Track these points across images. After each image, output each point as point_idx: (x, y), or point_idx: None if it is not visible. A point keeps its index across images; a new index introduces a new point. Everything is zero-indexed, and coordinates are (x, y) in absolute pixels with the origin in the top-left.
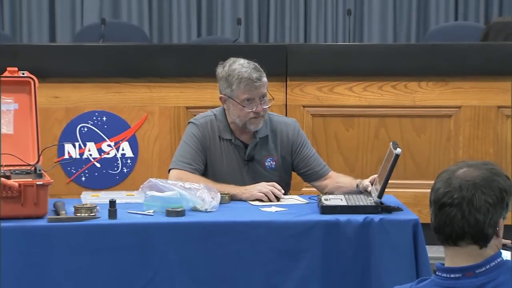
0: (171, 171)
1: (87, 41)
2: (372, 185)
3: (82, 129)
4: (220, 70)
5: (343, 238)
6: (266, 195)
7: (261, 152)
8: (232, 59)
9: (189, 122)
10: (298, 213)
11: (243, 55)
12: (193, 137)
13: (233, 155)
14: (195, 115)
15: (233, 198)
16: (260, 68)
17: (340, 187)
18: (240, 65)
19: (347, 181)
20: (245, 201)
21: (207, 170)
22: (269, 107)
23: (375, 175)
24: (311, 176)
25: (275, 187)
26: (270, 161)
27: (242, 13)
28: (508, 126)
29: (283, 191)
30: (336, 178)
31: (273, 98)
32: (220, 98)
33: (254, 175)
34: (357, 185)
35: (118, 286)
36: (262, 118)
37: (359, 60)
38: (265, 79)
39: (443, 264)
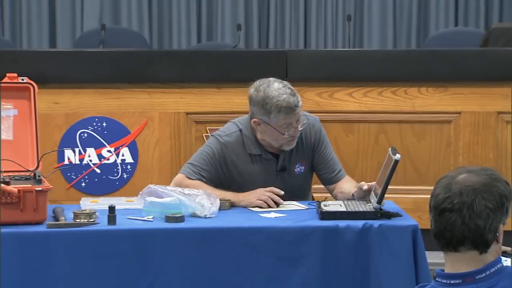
0: (178, 175)
1: (87, 47)
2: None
3: (82, 134)
4: (254, 95)
5: (342, 244)
6: (266, 202)
7: (290, 160)
8: (264, 82)
9: (212, 135)
10: (297, 219)
11: (243, 61)
12: (212, 153)
13: (263, 167)
14: (195, 121)
15: (232, 205)
16: (294, 91)
17: (341, 192)
18: (276, 91)
19: (348, 187)
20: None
21: (233, 184)
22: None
23: (374, 183)
24: (324, 179)
25: (273, 192)
26: (299, 166)
27: (242, 19)
28: (508, 132)
29: (282, 193)
30: (341, 184)
31: (307, 120)
32: (254, 121)
33: (284, 182)
34: (353, 194)
35: None
36: (296, 138)
37: (359, 66)
38: (300, 102)
39: (443, 270)
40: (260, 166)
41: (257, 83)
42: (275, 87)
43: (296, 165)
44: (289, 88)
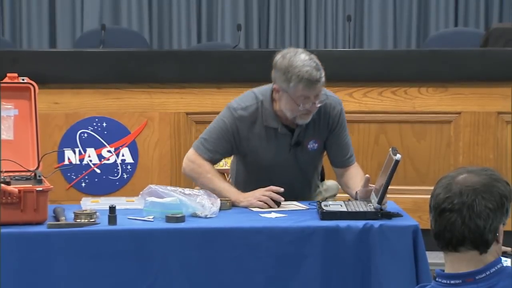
0: (190, 150)
1: (87, 47)
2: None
3: (82, 135)
4: (279, 61)
5: (343, 244)
6: (266, 203)
7: (305, 136)
8: (292, 51)
9: (227, 106)
10: (298, 219)
11: (243, 61)
12: (224, 127)
13: (278, 141)
14: (195, 121)
15: (232, 205)
16: (320, 66)
17: (347, 186)
18: (301, 62)
19: (353, 184)
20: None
21: (247, 158)
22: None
23: (373, 186)
24: (334, 161)
25: (272, 190)
26: (312, 143)
27: (242, 19)
28: (508, 132)
29: (281, 190)
30: (349, 176)
31: (326, 97)
32: (274, 88)
33: (295, 157)
34: (356, 193)
35: None
36: (312, 113)
37: (359, 66)
38: (323, 78)
39: (443, 270)
40: (274, 140)
41: (285, 50)
42: (301, 58)
43: (310, 142)
44: (315, 61)
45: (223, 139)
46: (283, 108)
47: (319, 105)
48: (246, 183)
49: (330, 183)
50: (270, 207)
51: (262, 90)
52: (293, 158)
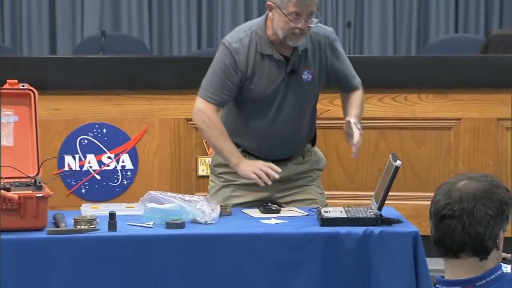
0: (198, 99)
1: (87, 53)
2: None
3: (82, 141)
4: None
5: (343, 250)
6: (260, 177)
7: (300, 65)
8: None
9: (222, 42)
10: (298, 225)
11: None
12: (224, 66)
13: (273, 69)
14: (195, 127)
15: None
16: None
17: (344, 113)
18: None
19: (347, 113)
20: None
21: (242, 89)
22: (314, 25)
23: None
24: (341, 88)
25: (270, 167)
26: (307, 74)
27: None
28: (508, 138)
29: (279, 170)
30: (349, 103)
31: (320, 18)
32: (268, 5)
33: (292, 88)
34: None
35: None
36: (304, 35)
37: (359, 72)
38: None
39: (443, 277)
40: (269, 68)
41: None
42: None
43: (304, 72)
44: None
45: (226, 79)
46: (275, 26)
47: (311, 25)
48: (236, 131)
49: (320, 154)
50: (265, 183)
51: (255, 20)
52: (289, 89)
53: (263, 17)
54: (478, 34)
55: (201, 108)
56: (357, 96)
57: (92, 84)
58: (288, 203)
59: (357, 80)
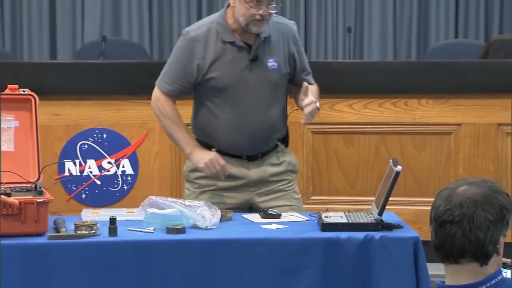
0: (155, 87)
1: (88, 58)
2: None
3: (83, 146)
4: None
5: (343, 256)
6: (209, 170)
7: (264, 52)
8: None
9: (182, 33)
10: (299, 231)
11: None
12: (179, 54)
13: (236, 56)
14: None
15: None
16: None
17: (297, 101)
18: None
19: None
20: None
21: (205, 80)
22: (275, 12)
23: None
24: (293, 79)
25: (222, 167)
26: (272, 62)
27: None
28: (508, 144)
29: (228, 170)
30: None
31: (280, 4)
32: None
33: (257, 75)
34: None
35: None
36: (266, 22)
37: (359, 78)
38: None
39: (444, 282)
40: (231, 54)
41: None
42: None
43: (269, 59)
44: None
45: (181, 68)
46: (237, 14)
47: (272, 11)
48: (207, 129)
49: (294, 157)
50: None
51: (217, 13)
52: (254, 77)
53: (224, 8)
54: (478, 39)
55: (155, 95)
56: (314, 87)
57: (93, 89)
58: None
59: (312, 79)
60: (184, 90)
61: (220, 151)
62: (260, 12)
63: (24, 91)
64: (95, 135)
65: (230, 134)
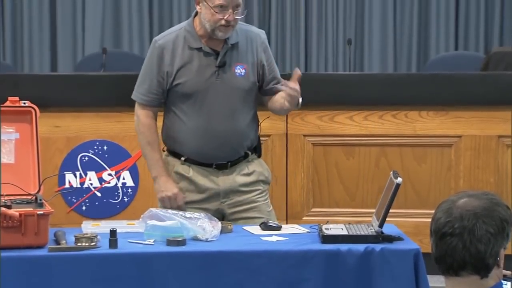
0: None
1: (88, 70)
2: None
3: (83, 158)
4: None
5: (344, 268)
6: (164, 205)
7: (231, 58)
8: None
9: (152, 42)
10: (299, 243)
11: None
12: (149, 63)
13: (203, 62)
14: None
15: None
16: None
17: (273, 102)
18: None
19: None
20: None
21: (173, 87)
22: (240, 18)
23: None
24: (264, 90)
25: (178, 208)
26: (240, 68)
27: None
28: (508, 156)
29: (183, 204)
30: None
31: (246, 10)
32: (196, 1)
33: (225, 81)
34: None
35: None
36: (232, 27)
37: (360, 90)
38: None
39: None
40: (198, 60)
41: None
42: None
43: (237, 66)
44: None
45: (154, 77)
46: (203, 20)
47: (238, 17)
48: (176, 137)
49: (267, 167)
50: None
51: (185, 21)
52: (222, 84)
53: (192, 15)
54: (478, 51)
55: (136, 112)
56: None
57: (93, 101)
58: (237, 220)
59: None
60: (161, 99)
61: (189, 160)
62: (226, 17)
63: (24, 103)
64: (95, 147)
65: (198, 141)
